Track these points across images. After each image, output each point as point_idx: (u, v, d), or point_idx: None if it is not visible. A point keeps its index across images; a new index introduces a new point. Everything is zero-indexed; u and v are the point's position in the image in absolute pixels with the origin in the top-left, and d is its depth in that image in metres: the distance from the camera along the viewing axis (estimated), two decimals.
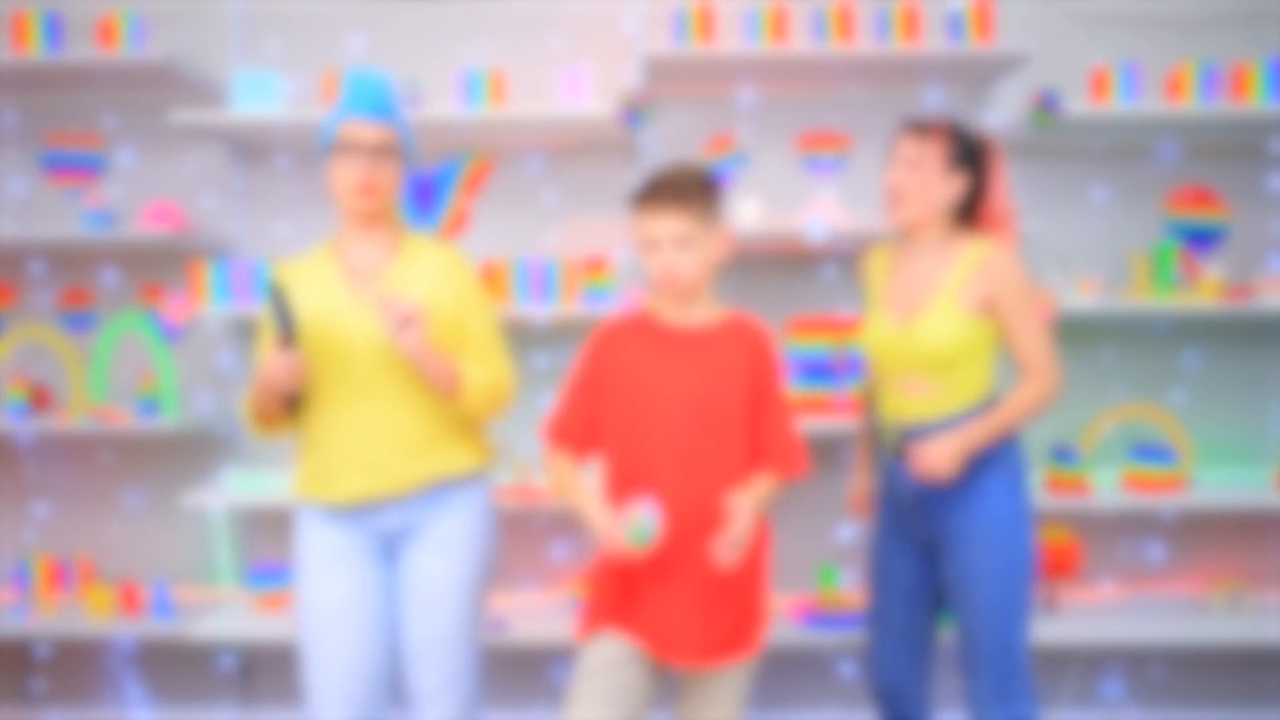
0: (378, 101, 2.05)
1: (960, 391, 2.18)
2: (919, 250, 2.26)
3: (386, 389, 2.04)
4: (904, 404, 2.23)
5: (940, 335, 2.16)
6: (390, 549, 2.13)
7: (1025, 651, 2.18)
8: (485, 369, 2.09)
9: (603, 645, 1.94)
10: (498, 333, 2.17)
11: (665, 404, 1.93)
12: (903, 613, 2.32)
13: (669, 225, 1.89)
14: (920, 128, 2.23)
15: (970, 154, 2.23)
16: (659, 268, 1.92)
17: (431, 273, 2.09)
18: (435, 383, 2.01)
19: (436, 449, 2.08)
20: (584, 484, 1.99)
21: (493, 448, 2.24)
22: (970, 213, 2.28)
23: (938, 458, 2.12)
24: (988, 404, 2.20)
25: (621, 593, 1.95)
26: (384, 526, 2.10)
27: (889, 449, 2.29)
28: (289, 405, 2.05)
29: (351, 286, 2.07)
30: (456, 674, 2.10)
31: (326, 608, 2.06)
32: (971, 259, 2.18)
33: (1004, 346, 2.21)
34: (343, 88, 2.08)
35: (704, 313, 2.00)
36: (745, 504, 1.89)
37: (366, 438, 2.04)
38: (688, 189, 1.91)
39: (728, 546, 1.86)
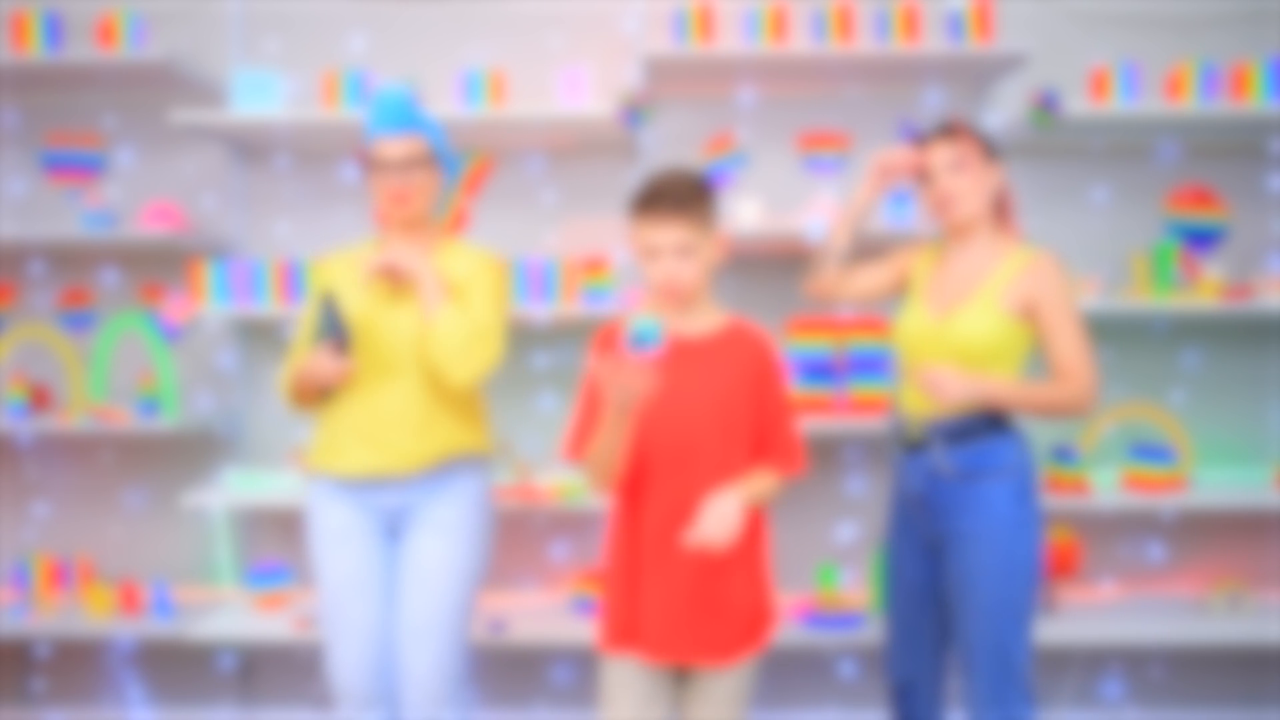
0: (398, 116, 2.21)
1: None
2: (967, 248, 2.27)
3: (403, 376, 2.19)
4: (926, 399, 2.22)
5: (976, 329, 2.16)
6: (393, 529, 2.26)
7: (1025, 656, 2.17)
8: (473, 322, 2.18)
9: (624, 673, 1.95)
10: (501, 316, 2.23)
11: (667, 413, 1.90)
12: (912, 611, 2.32)
13: (671, 235, 1.87)
14: (949, 130, 2.24)
15: (993, 145, 2.26)
16: (660, 276, 1.89)
17: (463, 272, 2.23)
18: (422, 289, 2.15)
19: (440, 427, 2.20)
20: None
21: (493, 438, 2.32)
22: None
23: (949, 377, 2.11)
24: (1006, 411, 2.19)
25: (630, 602, 1.94)
26: (387, 505, 2.22)
27: (905, 444, 2.29)
28: (327, 392, 2.24)
29: (389, 284, 2.23)
30: (445, 656, 2.18)
31: (336, 583, 2.22)
32: (1019, 261, 2.18)
33: (1040, 353, 2.19)
34: (368, 110, 2.22)
35: (705, 320, 1.98)
36: (727, 495, 1.85)
37: (378, 416, 2.19)
38: (688, 197, 1.88)
39: (701, 534, 1.82)
